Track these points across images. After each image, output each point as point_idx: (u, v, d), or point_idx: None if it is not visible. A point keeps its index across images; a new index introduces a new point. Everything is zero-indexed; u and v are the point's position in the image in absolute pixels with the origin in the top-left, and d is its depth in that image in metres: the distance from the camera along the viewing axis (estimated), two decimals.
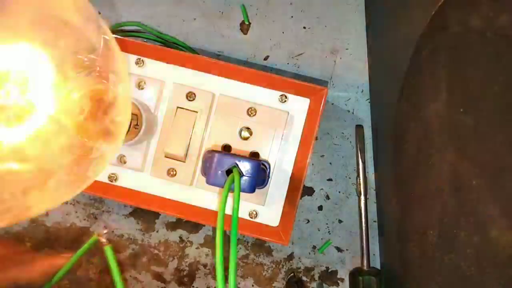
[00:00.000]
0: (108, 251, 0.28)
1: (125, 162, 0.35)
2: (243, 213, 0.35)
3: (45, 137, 0.21)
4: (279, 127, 0.34)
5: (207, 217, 0.35)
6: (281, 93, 0.34)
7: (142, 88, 0.34)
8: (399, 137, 0.33)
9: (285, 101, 0.34)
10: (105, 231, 0.29)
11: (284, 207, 0.35)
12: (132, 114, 0.31)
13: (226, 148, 0.35)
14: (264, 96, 0.34)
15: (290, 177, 0.35)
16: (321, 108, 0.34)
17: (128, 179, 0.35)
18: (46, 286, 0.31)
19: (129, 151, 0.35)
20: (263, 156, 0.34)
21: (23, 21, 0.20)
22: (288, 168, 0.35)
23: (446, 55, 0.28)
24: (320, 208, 0.41)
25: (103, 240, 0.28)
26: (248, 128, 0.34)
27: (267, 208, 0.35)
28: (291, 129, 0.34)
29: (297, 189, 0.35)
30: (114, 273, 0.27)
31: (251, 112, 0.34)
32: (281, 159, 0.35)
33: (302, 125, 0.34)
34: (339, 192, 0.41)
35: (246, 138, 0.34)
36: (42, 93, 0.21)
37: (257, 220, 0.35)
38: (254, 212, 0.35)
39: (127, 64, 0.34)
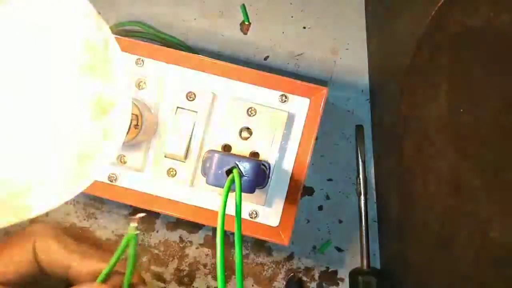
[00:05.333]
0: (132, 238, 0.27)
1: (125, 162, 0.35)
2: (243, 213, 0.35)
3: (45, 137, 0.21)
4: (279, 127, 0.34)
5: (207, 217, 0.35)
6: (281, 93, 0.34)
7: (142, 88, 0.34)
8: (399, 137, 0.33)
9: (285, 101, 0.34)
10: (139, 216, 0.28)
11: (284, 207, 0.35)
12: (132, 114, 0.31)
13: (226, 148, 0.35)
14: (264, 96, 0.34)
15: (290, 177, 0.35)
16: (321, 108, 0.34)
17: (128, 179, 0.35)
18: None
19: (129, 151, 0.35)
20: (263, 156, 0.34)
21: (22, 21, 0.20)
22: (288, 168, 0.35)
23: (446, 55, 0.28)
24: (320, 208, 0.41)
25: (135, 223, 0.28)
26: (248, 128, 0.34)
27: (267, 208, 0.35)
28: (291, 129, 0.34)
29: (297, 189, 0.35)
30: (129, 261, 0.27)
31: (251, 112, 0.34)
32: (281, 159, 0.35)
33: (302, 125, 0.34)
34: (339, 192, 0.41)
35: (246, 138, 0.34)
36: (41, 93, 0.21)
37: (257, 220, 0.35)
38: (254, 212, 0.35)
39: (127, 64, 0.34)
